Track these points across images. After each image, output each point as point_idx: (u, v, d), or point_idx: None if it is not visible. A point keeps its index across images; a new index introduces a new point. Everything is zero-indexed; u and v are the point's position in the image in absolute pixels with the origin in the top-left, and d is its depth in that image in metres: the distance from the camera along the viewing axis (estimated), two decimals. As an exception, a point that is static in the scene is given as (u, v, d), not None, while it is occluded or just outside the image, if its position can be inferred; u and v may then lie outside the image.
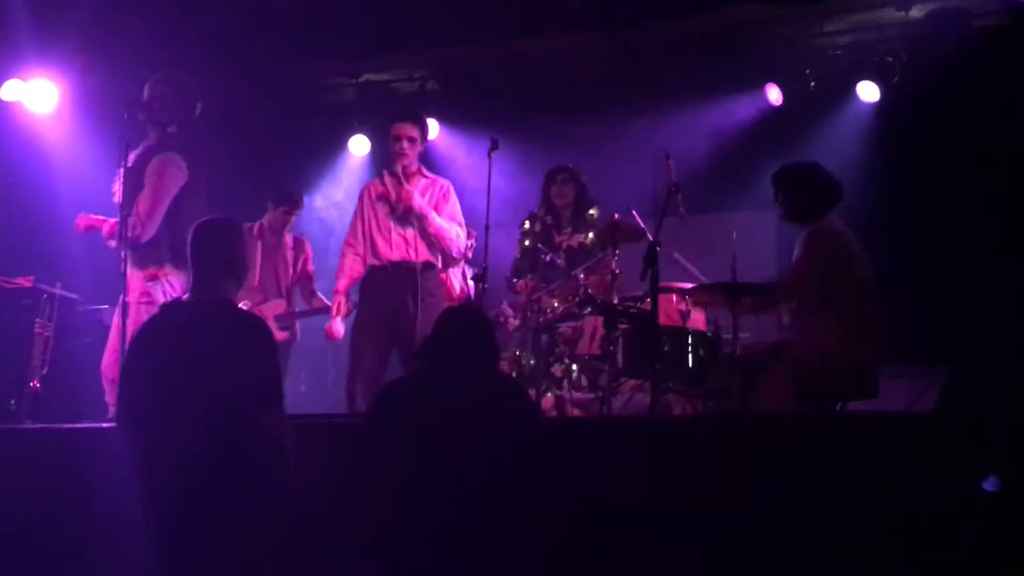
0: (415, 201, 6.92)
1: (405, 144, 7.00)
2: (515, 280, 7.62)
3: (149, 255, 6.34)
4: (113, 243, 6.43)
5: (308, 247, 8.60)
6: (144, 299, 6.23)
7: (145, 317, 5.57)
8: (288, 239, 8.48)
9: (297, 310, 8.38)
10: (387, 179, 7.09)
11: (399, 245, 6.95)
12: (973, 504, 4.43)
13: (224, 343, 4.39)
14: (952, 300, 7.89)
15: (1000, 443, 4.55)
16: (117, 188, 6.46)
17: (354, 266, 7.09)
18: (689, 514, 4.66)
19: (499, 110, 9.51)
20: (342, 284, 7.11)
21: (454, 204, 7.12)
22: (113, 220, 6.42)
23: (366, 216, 7.10)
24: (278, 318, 8.11)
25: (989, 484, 4.47)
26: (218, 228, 4.71)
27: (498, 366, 4.55)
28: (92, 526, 5.16)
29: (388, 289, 6.91)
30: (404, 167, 6.99)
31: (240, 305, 5.06)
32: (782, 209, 6.11)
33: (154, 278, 6.31)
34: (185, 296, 4.85)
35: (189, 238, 4.67)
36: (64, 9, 7.89)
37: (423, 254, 6.95)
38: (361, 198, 7.21)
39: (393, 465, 4.17)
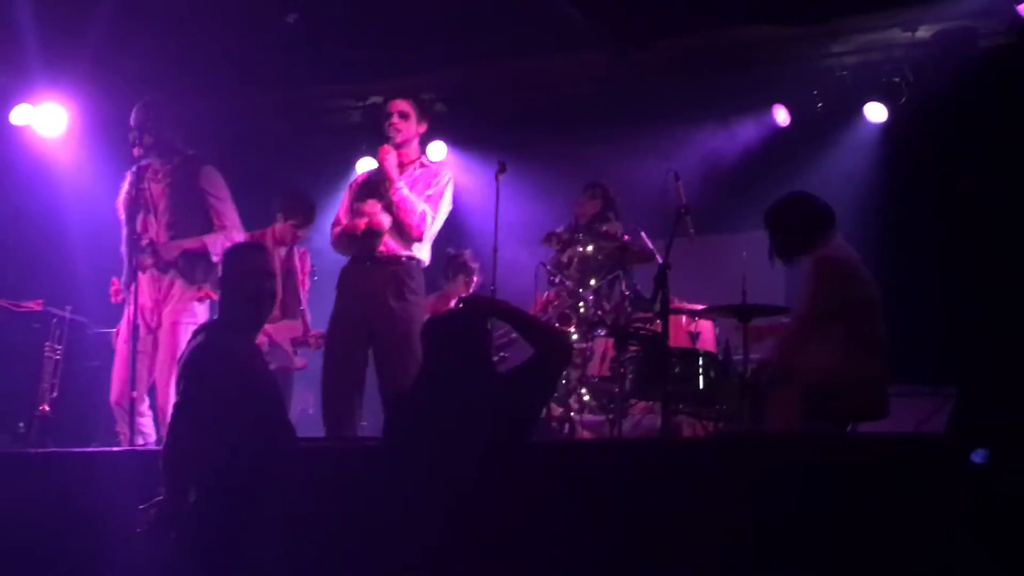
0: (388, 162, 6.31)
1: (396, 119, 6.42)
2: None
3: (200, 272, 6.29)
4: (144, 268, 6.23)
5: (309, 259, 7.95)
6: (190, 319, 6.11)
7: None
8: (296, 250, 7.83)
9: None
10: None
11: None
12: (980, 525, 4.42)
13: None
14: (962, 321, 7.88)
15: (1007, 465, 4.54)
16: (121, 204, 6.47)
17: None
18: (699, 536, 4.65)
19: (506, 131, 9.49)
20: None
21: (439, 188, 6.43)
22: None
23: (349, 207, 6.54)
24: (295, 341, 7.61)
25: (978, 456, 4.44)
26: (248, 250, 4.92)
27: (491, 366, 4.59)
28: (101, 549, 5.15)
29: (365, 285, 6.29)
30: (398, 145, 6.38)
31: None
32: (778, 252, 5.89)
33: (204, 298, 6.25)
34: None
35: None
36: (74, 34, 7.91)
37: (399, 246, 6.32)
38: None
39: (414, 480, 4.21)
